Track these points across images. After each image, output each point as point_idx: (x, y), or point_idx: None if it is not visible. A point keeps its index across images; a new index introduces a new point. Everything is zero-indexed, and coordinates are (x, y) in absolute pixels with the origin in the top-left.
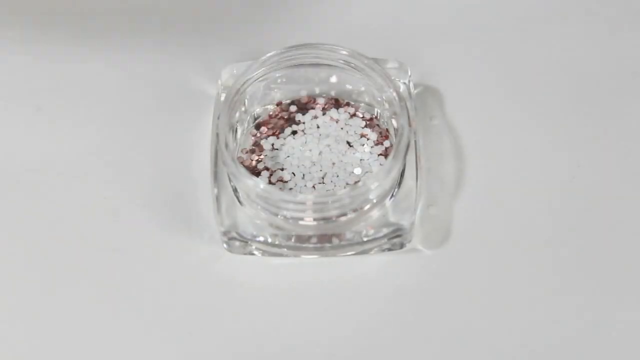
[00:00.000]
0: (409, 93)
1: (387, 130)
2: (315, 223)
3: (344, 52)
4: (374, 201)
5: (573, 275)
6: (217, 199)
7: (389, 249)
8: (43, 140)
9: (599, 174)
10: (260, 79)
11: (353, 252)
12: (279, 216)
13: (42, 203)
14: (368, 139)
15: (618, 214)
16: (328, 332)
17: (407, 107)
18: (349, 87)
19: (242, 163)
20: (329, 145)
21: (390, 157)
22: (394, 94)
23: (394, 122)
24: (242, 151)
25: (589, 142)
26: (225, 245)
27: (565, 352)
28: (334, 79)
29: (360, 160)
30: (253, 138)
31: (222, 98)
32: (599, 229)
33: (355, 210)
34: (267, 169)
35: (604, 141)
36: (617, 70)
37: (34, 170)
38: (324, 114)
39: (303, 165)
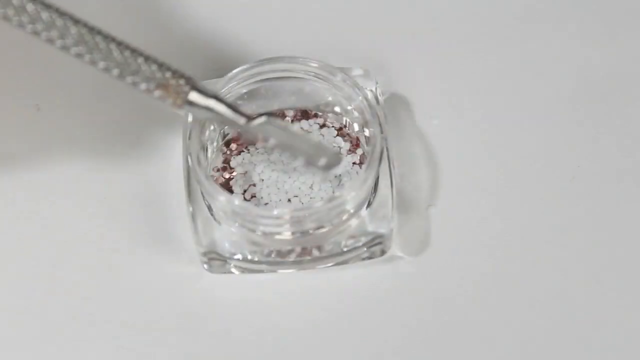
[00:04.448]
0: (377, 100)
1: (357, 139)
2: (292, 237)
3: (310, 64)
4: (351, 211)
5: (558, 279)
6: (194, 219)
7: (369, 258)
8: (43, 140)
9: (592, 179)
10: (228, 95)
11: (333, 264)
12: (257, 232)
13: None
14: (340, 149)
15: (607, 219)
16: (319, 346)
17: (377, 115)
18: (316, 97)
19: (215, 181)
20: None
21: (365, 166)
22: (364, 102)
23: (365, 130)
24: (213, 169)
25: (569, 144)
26: (205, 266)
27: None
28: (301, 91)
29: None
30: (223, 155)
31: (190, 117)
32: (586, 234)
33: (333, 222)
34: (240, 185)
35: (586, 146)
36: (601, 71)
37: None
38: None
39: (276, 179)
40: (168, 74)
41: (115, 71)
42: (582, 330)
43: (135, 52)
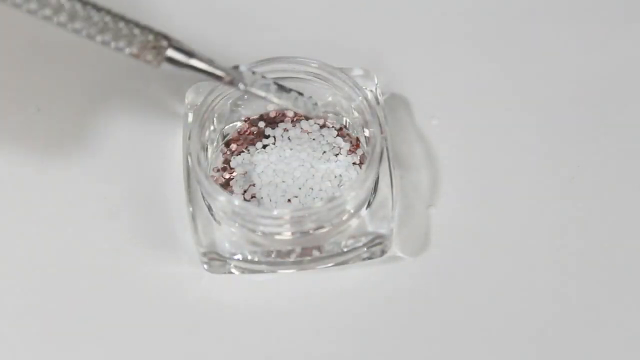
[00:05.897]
0: (377, 100)
1: (357, 139)
2: (292, 237)
3: (310, 64)
4: (351, 211)
5: (558, 279)
6: (194, 219)
7: (369, 258)
8: (43, 140)
9: (592, 179)
10: (227, 96)
11: (333, 264)
12: (257, 232)
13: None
14: (340, 149)
15: (599, 222)
16: (319, 346)
17: (377, 115)
18: (316, 97)
19: (215, 182)
20: (301, 158)
21: (365, 166)
22: (364, 102)
23: (365, 130)
24: (213, 170)
25: (569, 144)
26: (205, 266)
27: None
28: (301, 91)
29: (334, 170)
30: (223, 156)
31: (190, 118)
32: (586, 234)
33: (333, 222)
34: (240, 186)
35: (574, 147)
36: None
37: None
38: (294, 126)
39: (276, 179)
40: (145, 34)
41: (99, 38)
42: (582, 329)
43: (115, 16)
